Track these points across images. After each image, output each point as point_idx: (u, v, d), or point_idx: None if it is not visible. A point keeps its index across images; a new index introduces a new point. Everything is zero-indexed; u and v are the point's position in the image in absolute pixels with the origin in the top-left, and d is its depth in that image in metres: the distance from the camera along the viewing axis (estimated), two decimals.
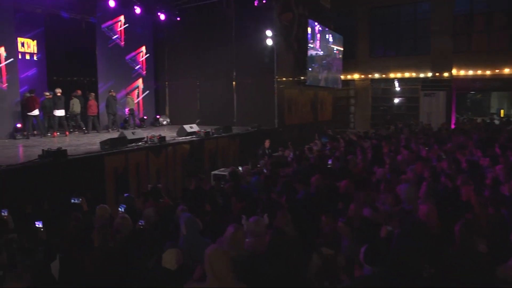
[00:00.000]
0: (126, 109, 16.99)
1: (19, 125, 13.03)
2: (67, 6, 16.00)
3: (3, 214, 5.26)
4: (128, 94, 17.35)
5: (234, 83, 17.85)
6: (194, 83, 18.84)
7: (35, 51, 16.97)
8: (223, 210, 5.89)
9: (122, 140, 10.22)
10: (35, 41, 16.92)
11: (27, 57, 16.68)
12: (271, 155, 12.48)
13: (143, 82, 18.87)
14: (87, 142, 11.78)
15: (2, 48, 12.90)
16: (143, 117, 18.50)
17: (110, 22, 16.77)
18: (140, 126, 17.62)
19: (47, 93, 13.87)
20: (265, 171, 8.65)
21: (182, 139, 12.46)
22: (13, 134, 12.89)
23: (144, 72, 18.90)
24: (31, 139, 12.88)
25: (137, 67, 18.48)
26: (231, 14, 17.11)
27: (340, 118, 25.37)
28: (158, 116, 19.39)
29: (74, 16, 17.08)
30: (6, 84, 12.97)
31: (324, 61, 21.00)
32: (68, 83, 17.37)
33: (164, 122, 19.28)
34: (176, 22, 18.54)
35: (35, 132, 13.65)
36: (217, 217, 5.43)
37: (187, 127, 13.38)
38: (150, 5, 17.53)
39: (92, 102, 15.15)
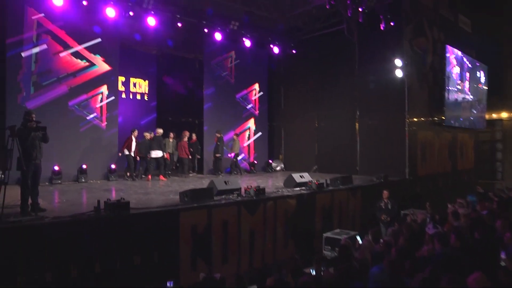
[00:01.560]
0: (233, 153, 15.18)
1: (113, 166, 11.94)
2: (180, 46, 15.39)
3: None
4: (236, 135, 15.64)
5: (357, 124, 15.06)
6: (312, 123, 16.59)
7: (146, 91, 16.50)
8: None
9: (207, 191, 8.13)
10: (146, 81, 16.49)
11: (138, 97, 16.24)
12: (397, 212, 9.90)
13: (255, 122, 17.11)
14: (176, 189, 9.99)
15: (105, 87, 12.23)
16: (253, 162, 16.61)
17: (219, 58, 15.50)
18: (249, 172, 15.83)
19: (147, 133, 12.71)
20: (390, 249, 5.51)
21: (288, 191, 9.99)
22: (107, 175, 11.84)
23: (257, 112, 17.17)
24: (123, 182, 11.72)
25: (249, 106, 16.83)
26: (353, 42, 14.56)
27: (484, 167, 20.89)
28: (270, 161, 17.35)
29: (186, 55, 16.38)
30: (106, 123, 12.15)
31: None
32: (177, 123, 16.43)
33: (278, 168, 17.22)
34: (292, 56, 16.74)
35: (128, 174, 12.43)
36: None
37: (296, 176, 10.93)
38: (262, 38, 15.97)
39: (183, 143, 13.66)
